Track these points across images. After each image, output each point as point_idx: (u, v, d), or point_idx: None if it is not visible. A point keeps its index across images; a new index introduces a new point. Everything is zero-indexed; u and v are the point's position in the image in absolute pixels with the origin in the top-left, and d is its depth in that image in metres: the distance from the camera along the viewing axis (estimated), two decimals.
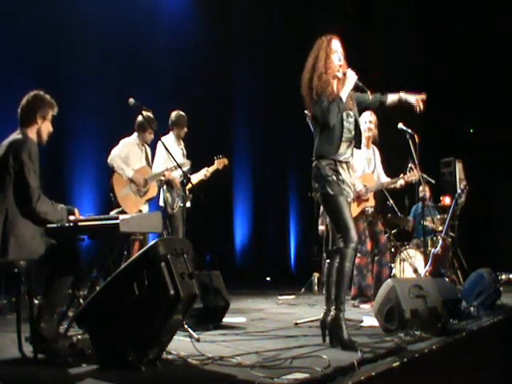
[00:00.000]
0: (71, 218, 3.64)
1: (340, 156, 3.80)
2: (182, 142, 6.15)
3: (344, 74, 3.83)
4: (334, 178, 3.74)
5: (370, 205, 6.09)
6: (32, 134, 3.56)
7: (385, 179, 6.28)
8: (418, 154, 5.95)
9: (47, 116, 3.61)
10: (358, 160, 6.06)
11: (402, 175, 6.17)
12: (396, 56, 10.66)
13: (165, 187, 5.87)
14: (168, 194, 5.89)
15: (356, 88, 3.90)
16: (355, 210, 5.96)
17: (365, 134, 6.10)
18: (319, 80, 3.75)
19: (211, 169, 6.13)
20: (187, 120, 6.09)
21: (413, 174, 6.10)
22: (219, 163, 6.16)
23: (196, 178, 6.02)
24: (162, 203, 5.96)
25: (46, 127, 3.62)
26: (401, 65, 10.69)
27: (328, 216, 3.96)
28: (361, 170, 6.14)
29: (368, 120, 6.09)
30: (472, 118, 10.97)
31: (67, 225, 3.60)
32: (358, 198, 5.99)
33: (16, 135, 3.54)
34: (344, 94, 3.79)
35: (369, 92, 3.95)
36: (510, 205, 10.08)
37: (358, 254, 5.96)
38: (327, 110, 3.71)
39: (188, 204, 5.96)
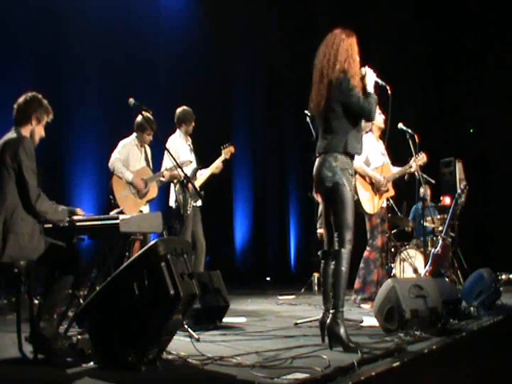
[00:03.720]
0: (75, 217, 3.65)
1: (359, 153, 3.83)
2: (189, 138, 6.10)
3: (363, 74, 3.84)
4: (350, 172, 3.73)
5: (390, 195, 6.11)
6: (26, 133, 3.56)
7: (397, 169, 6.24)
8: (417, 154, 5.95)
9: (42, 120, 3.62)
10: (375, 152, 6.07)
11: (412, 160, 6.06)
12: (396, 55, 10.65)
13: (177, 187, 5.80)
14: (181, 196, 5.79)
15: (376, 86, 3.90)
16: (379, 203, 5.99)
17: (381, 125, 6.10)
18: (354, 78, 3.72)
19: (219, 160, 6.02)
20: (193, 114, 6.02)
21: (421, 158, 6.06)
22: (226, 152, 6.05)
23: (206, 174, 5.96)
24: (172, 203, 5.84)
25: (39, 131, 3.63)
26: (400, 64, 10.68)
27: (332, 209, 3.74)
28: (380, 161, 6.09)
29: (379, 112, 6.00)
30: (472, 118, 10.97)
31: (66, 225, 3.60)
32: (379, 190, 5.98)
33: (10, 134, 3.54)
34: (371, 90, 3.82)
35: (388, 88, 3.95)
36: (510, 205, 10.07)
37: (368, 248, 5.97)
38: (371, 103, 3.70)
39: (199, 203, 5.93)
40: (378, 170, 6.05)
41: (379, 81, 3.92)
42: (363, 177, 5.95)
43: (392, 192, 6.14)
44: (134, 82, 7.77)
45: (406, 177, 6.20)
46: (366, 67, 3.89)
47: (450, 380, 3.54)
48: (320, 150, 3.78)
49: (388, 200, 6.43)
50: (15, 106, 3.61)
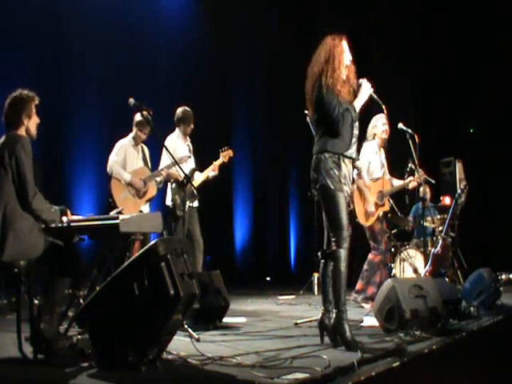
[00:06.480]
0: (64, 218, 3.65)
1: (347, 152, 3.79)
2: (188, 138, 6.05)
3: (359, 85, 3.87)
4: (336, 172, 3.72)
5: (386, 209, 6.12)
6: (22, 133, 3.55)
7: (396, 182, 6.30)
8: (417, 154, 5.95)
9: (32, 113, 3.60)
10: (376, 162, 6.09)
11: (411, 178, 6.19)
12: (396, 55, 10.65)
13: (173, 187, 5.77)
14: (177, 196, 5.77)
15: (370, 100, 3.91)
16: (374, 218, 5.99)
17: (382, 136, 6.12)
18: (331, 77, 3.72)
19: (217, 163, 5.98)
20: (193, 116, 5.97)
21: (421, 174, 6.10)
22: (224, 156, 6.02)
23: (203, 175, 5.92)
24: (169, 203, 5.83)
25: (33, 122, 3.62)
26: (400, 64, 10.68)
27: (323, 210, 3.82)
28: (379, 172, 6.12)
29: (383, 122, 6.06)
30: (472, 117, 10.96)
31: (59, 225, 3.61)
32: (376, 205, 5.98)
33: (6, 135, 3.53)
34: (358, 104, 3.83)
35: (384, 107, 3.99)
36: (510, 205, 10.07)
37: (374, 252, 5.99)
38: (341, 117, 3.71)
39: (196, 203, 5.91)
40: (379, 182, 6.07)
41: (374, 96, 3.93)
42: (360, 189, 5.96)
43: (388, 206, 6.14)
44: (134, 82, 7.76)
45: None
46: (364, 79, 3.90)
47: (450, 380, 3.54)
48: (313, 152, 3.84)
49: (388, 200, 6.43)
50: (3, 114, 3.58)
